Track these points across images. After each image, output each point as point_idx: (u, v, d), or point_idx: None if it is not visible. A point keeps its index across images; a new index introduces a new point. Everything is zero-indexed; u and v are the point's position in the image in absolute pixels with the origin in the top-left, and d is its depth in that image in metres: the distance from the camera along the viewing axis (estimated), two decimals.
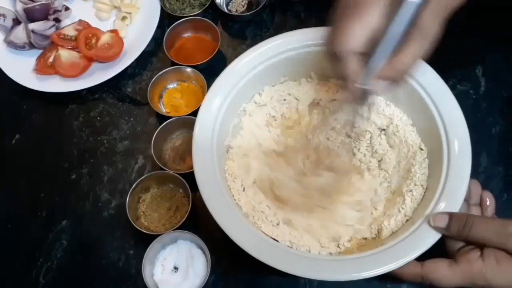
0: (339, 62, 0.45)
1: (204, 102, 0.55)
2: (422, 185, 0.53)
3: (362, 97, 0.47)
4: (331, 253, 0.53)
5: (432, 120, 0.53)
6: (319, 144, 0.60)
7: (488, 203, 0.53)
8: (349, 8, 0.43)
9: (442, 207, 0.49)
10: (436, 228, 0.48)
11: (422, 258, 0.48)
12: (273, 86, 0.62)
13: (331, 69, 0.47)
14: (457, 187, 0.49)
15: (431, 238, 0.47)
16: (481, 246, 0.47)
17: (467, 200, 0.53)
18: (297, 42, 0.57)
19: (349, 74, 0.45)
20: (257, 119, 0.61)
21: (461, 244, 0.49)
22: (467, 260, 0.46)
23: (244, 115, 0.60)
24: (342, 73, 0.45)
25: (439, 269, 0.47)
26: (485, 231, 0.46)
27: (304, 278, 0.59)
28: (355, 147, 0.59)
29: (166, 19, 0.79)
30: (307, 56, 0.58)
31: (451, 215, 0.48)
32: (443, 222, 0.47)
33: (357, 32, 0.43)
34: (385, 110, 0.58)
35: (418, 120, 0.56)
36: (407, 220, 0.52)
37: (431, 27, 0.43)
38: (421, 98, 0.54)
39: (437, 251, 0.49)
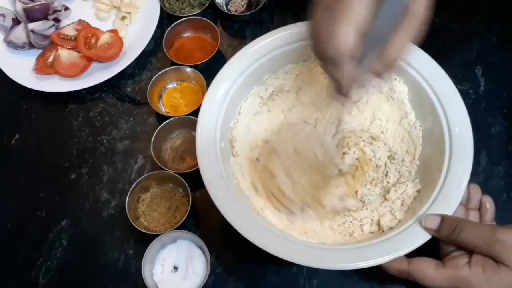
0: (332, 65, 0.43)
1: (212, 85, 0.57)
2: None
3: (351, 93, 0.46)
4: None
5: (437, 118, 0.54)
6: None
7: (487, 207, 0.53)
8: (332, 5, 0.40)
9: (437, 205, 0.49)
10: (427, 229, 0.48)
11: (412, 255, 0.48)
12: (286, 73, 0.62)
13: (323, 70, 0.46)
14: (455, 187, 0.50)
15: (422, 237, 0.48)
16: (470, 251, 0.47)
17: (465, 204, 0.53)
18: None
19: (345, 78, 0.43)
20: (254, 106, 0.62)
21: (453, 247, 0.49)
22: (454, 265, 0.47)
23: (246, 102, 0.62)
24: (338, 77, 0.44)
25: (425, 268, 0.48)
26: (472, 236, 0.46)
27: (304, 278, 0.59)
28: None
29: (166, 19, 0.79)
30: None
31: (443, 217, 0.48)
32: (434, 224, 0.47)
33: (348, 32, 0.40)
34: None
35: (424, 119, 0.57)
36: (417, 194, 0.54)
37: (420, 11, 0.41)
38: (428, 97, 0.55)
39: (431, 250, 0.49)
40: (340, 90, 0.46)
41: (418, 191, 0.54)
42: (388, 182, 0.57)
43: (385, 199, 0.55)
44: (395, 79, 0.58)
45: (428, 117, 0.55)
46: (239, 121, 0.60)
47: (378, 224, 0.54)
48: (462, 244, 0.47)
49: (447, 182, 0.50)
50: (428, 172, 0.54)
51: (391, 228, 0.52)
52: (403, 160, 0.57)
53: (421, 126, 0.57)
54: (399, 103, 0.58)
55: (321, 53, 0.42)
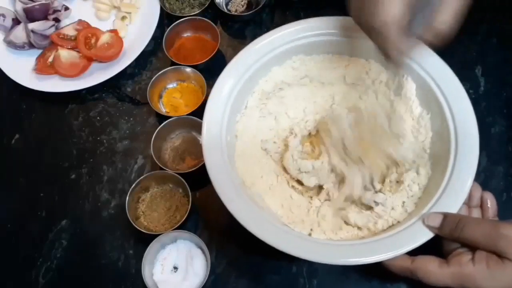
0: (379, 36, 0.43)
1: (219, 81, 0.57)
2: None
3: (400, 60, 0.46)
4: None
5: (443, 117, 0.54)
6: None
7: (489, 204, 0.53)
8: None
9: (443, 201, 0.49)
10: (429, 227, 0.48)
11: (415, 254, 0.48)
12: (293, 68, 0.62)
13: (372, 42, 0.45)
14: (460, 184, 0.50)
15: (425, 235, 0.48)
16: (474, 248, 0.47)
17: (466, 203, 0.53)
18: (318, 28, 0.59)
19: (392, 46, 0.43)
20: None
21: (456, 245, 0.49)
22: (458, 262, 0.47)
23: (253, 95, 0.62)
24: (385, 47, 0.44)
25: (429, 266, 0.48)
26: (475, 232, 0.46)
27: (304, 278, 0.59)
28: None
29: (166, 19, 0.79)
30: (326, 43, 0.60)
31: (445, 215, 0.48)
32: (436, 222, 0.47)
33: (395, 4, 0.40)
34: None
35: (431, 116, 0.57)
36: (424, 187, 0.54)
37: None
38: (434, 93, 0.55)
39: (433, 249, 0.50)
40: (389, 59, 0.46)
41: (427, 182, 0.54)
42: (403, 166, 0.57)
43: (399, 182, 0.55)
44: (403, 76, 0.57)
45: (435, 115, 0.56)
46: (245, 115, 0.60)
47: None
48: (465, 241, 0.47)
49: (452, 181, 0.50)
50: (433, 170, 0.54)
51: (399, 223, 0.52)
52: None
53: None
54: (407, 99, 0.58)
55: (367, 25, 0.43)
